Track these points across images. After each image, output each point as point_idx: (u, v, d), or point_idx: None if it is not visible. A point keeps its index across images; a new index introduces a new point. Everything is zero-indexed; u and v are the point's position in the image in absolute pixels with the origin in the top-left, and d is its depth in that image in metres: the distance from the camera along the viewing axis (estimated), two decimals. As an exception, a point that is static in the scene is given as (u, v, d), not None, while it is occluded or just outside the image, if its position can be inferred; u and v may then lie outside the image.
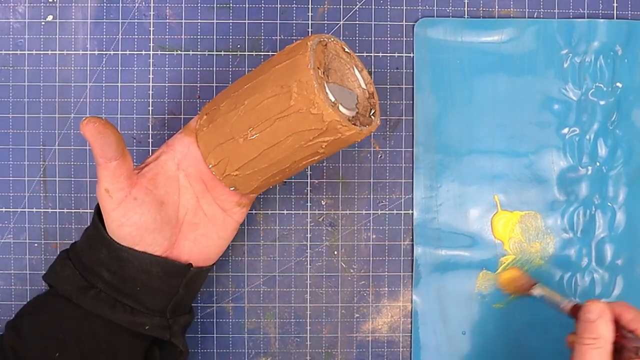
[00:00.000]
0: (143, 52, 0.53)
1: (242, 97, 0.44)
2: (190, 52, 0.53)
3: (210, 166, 0.45)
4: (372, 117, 0.45)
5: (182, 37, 0.53)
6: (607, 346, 0.43)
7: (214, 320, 0.53)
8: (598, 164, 0.54)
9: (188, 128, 0.46)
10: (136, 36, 0.53)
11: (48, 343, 0.44)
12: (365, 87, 0.46)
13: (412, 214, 0.54)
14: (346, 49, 0.46)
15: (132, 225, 0.43)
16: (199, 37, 0.53)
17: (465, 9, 0.54)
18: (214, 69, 0.53)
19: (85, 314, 0.44)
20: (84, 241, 0.46)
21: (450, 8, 0.54)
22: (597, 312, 0.44)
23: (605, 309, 0.44)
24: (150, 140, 0.53)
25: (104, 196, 0.43)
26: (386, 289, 0.54)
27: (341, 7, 0.53)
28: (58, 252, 0.53)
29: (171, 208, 0.45)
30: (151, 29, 0.53)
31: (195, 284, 0.48)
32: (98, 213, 0.45)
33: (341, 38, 0.53)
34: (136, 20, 0.53)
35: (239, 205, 0.48)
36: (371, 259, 0.54)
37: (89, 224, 0.53)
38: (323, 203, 0.54)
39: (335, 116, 0.41)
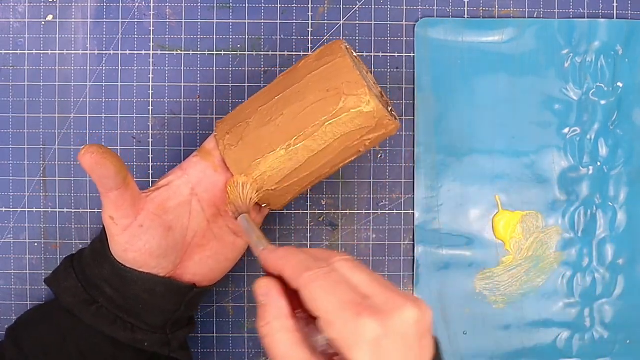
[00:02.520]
0: (143, 52, 0.53)
1: (277, 108, 0.43)
2: (190, 52, 0.53)
3: (250, 194, 0.44)
4: (392, 113, 0.47)
5: (182, 36, 0.53)
6: (287, 324, 0.36)
7: (214, 320, 0.53)
8: (599, 163, 0.54)
9: (204, 151, 0.46)
10: (136, 36, 0.53)
11: (52, 358, 0.44)
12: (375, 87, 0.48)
13: (413, 214, 0.53)
14: (354, 53, 0.46)
15: (137, 251, 0.43)
16: (199, 37, 0.53)
17: (466, 8, 0.54)
18: (214, 68, 0.53)
19: (88, 327, 0.44)
20: (89, 253, 0.45)
21: (450, 8, 0.54)
22: (264, 290, 0.37)
23: (271, 285, 0.37)
24: (150, 140, 0.53)
25: (108, 222, 0.43)
26: (386, 288, 0.54)
27: (341, 7, 0.53)
28: (58, 252, 0.53)
29: (179, 232, 0.45)
30: (151, 28, 0.53)
31: (197, 301, 0.48)
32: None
33: (341, 38, 0.53)
34: (136, 20, 0.53)
35: None
36: (371, 258, 0.53)
37: (88, 224, 0.53)
38: (323, 203, 0.54)
39: (385, 112, 0.43)
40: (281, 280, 0.37)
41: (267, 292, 0.37)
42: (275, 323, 0.36)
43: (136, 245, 0.43)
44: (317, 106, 0.43)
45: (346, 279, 0.35)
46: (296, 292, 0.36)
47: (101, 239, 0.45)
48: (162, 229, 0.43)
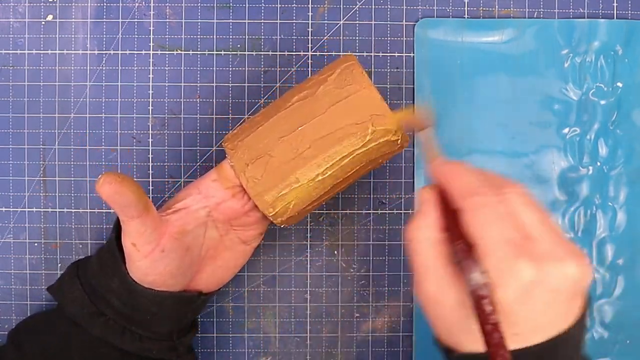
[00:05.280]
0: (143, 52, 0.53)
1: (302, 141, 0.43)
2: (190, 52, 0.53)
3: (269, 214, 0.44)
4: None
5: (182, 36, 0.53)
6: (434, 236, 0.35)
7: (214, 320, 0.53)
8: (599, 163, 0.54)
9: (224, 178, 0.45)
10: (136, 36, 0.53)
11: None
12: None
13: (413, 214, 0.53)
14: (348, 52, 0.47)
15: (157, 275, 0.43)
16: (199, 36, 0.53)
17: (466, 9, 0.54)
18: (214, 68, 0.53)
19: (94, 337, 0.44)
20: (96, 263, 0.45)
21: (450, 8, 0.54)
22: (424, 197, 0.37)
23: (433, 195, 0.36)
24: (150, 140, 0.53)
25: (130, 248, 0.42)
26: (386, 288, 0.54)
27: (341, 7, 0.53)
28: (58, 252, 0.53)
29: (196, 251, 0.45)
30: (151, 28, 0.53)
31: (203, 307, 0.48)
32: (117, 238, 0.44)
33: (341, 38, 0.53)
34: (136, 20, 0.53)
35: (261, 234, 0.48)
36: (371, 258, 0.53)
37: (88, 224, 0.53)
38: (323, 203, 0.53)
39: (407, 136, 0.44)
40: (445, 195, 0.36)
41: (426, 200, 0.36)
42: (424, 231, 0.35)
43: (157, 269, 0.42)
44: (346, 139, 0.43)
45: (514, 214, 0.33)
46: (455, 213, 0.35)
47: (110, 250, 0.44)
48: (181, 251, 0.43)
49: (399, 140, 0.44)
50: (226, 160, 0.45)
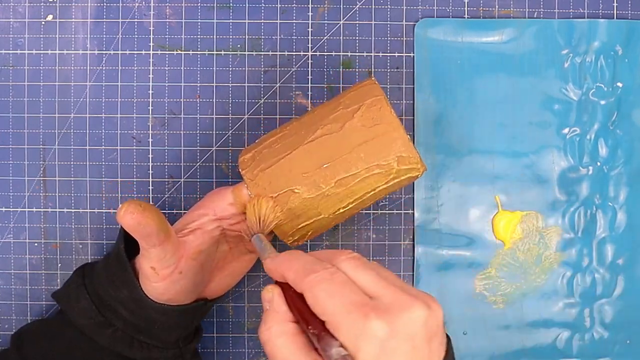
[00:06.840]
0: (143, 52, 0.53)
1: (325, 179, 0.43)
2: (190, 52, 0.53)
3: (287, 241, 0.45)
4: None
5: (182, 36, 0.53)
6: (287, 328, 0.35)
7: (214, 320, 0.53)
8: (599, 163, 0.54)
9: (241, 204, 0.45)
10: (136, 36, 0.53)
11: None
12: None
13: (413, 214, 0.53)
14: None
15: (174, 294, 0.43)
16: (199, 36, 0.53)
17: (466, 9, 0.54)
18: (214, 68, 0.53)
19: (99, 346, 0.44)
20: (103, 273, 0.45)
21: (450, 8, 0.54)
22: (268, 296, 0.36)
23: (275, 291, 0.36)
24: (150, 140, 0.53)
25: (149, 272, 0.42)
26: (386, 288, 0.54)
27: (341, 7, 0.53)
28: (58, 252, 0.53)
29: (208, 266, 0.46)
30: (151, 28, 0.53)
31: (207, 312, 0.49)
32: (125, 249, 0.44)
33: (341, 38, 0.53)
34: (136, 20, 0.53)
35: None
36: (371, 259, 0.53)
37: (88, 224, 0.53)
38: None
39: (425, 165, 0.45)
40: (289, 287, 0.36)
41: (270, 298, 0.36)
42: (275, 328, 0.35)
43: (174, 289, 0.43)
44: (370, 178, 0.44)
45: (352, 280, 0.34)
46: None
47: (119, 262, 0.44)
48: (197, 269, 0.44)
49: (419, 175, 0.45)
50: (243, 185, 0.45)
